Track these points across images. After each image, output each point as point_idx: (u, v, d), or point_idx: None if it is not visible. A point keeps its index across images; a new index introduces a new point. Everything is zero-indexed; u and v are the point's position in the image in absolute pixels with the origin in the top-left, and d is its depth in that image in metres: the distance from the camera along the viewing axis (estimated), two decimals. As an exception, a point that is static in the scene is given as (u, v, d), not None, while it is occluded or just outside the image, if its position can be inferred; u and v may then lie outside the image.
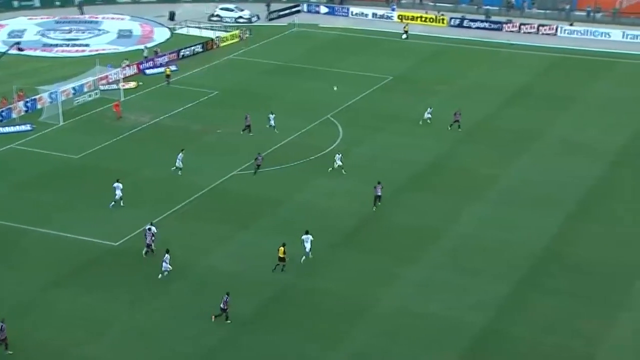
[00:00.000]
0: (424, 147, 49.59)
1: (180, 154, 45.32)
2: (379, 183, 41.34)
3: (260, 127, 51.16)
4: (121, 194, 41.03)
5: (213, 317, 32.35)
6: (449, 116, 54.51)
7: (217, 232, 39.26)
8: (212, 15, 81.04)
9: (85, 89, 57.79)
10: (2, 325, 29.96)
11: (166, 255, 35.10)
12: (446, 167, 47.12)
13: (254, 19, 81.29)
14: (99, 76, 59.02)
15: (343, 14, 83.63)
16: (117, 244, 38.16)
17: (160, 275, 35.11)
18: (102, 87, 58.83)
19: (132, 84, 60.96)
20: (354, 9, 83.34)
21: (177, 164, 45.00)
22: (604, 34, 75.02)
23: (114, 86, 59.22)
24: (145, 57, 66.36)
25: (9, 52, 62.23)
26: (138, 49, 69.66)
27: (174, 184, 44.08)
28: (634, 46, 71.95)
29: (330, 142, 49.82)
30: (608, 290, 34.70)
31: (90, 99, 57.36)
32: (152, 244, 36.46)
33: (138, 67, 64.01)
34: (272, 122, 50.81)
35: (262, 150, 47.92)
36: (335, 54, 69.67)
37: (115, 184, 41.22)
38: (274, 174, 45.39)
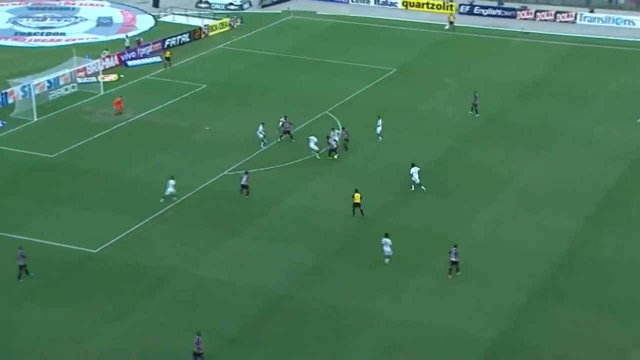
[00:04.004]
0: (432, 145, 49.59)
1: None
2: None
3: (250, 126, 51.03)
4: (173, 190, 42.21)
5: (450, 276, 35.16)
6: (458, 111, 54.62)
7: (205, 237, 39.19)
8: (200, 2, 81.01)
9: (62, 82, 57.61)
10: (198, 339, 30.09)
11: (385, 239, 36.25)
12: (456, 166, 47.13)
13: (245, 5, 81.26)
14: (76, 68, 58.85)
15: (343, 0, 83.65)
16: (96, 250, 38.06)
17: (387, 260, 36.23)
18: (79, 80, 58.70)
19: (113, 77, 60.84)
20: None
21: None
22: (627, 22, 75.05)
23: (93, 79, 59.10)
24: (127, 48, 66.23)
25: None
26: (119, 39, 69.56)
27: (159, 186, 43.94)
28: (660, 35, 72.09)
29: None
30: (634, 299, 34.65)
31: (66, 92, 57.23)
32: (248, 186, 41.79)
33: (119, 58, 63.90)
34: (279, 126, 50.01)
35: (253, 149, 47.98)
36: (334, 44, 69.64)
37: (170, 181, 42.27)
38: (266, 175, 45.26)
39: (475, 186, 44.66)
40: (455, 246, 36.05)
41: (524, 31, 73.90)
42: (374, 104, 55.87)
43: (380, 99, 57.21)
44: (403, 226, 39.42)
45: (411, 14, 79.32)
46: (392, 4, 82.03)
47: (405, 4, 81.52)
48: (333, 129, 48.76)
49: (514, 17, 78.09)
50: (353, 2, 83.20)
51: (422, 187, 43.34)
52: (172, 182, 42.00)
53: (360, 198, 40.52)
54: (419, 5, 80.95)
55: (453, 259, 35.87)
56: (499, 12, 78.97)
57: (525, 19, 77.60)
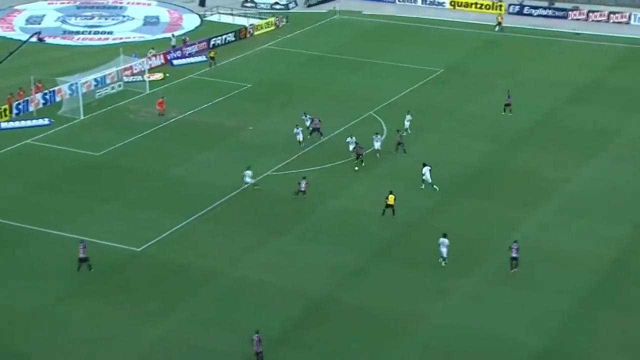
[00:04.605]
0: (479, 148, 49.27)
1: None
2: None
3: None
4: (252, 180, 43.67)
5: (512, 270, 36.14)
6: (508, 115, 54.27)
7: (249, 237, 39.50)
8: (246, 1, 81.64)
9: (108, 81, 58.59)
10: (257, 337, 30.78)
11: (443, 239, 36.64)
12: (503, 170, 46.77)
13: (291, 5, 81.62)
14: (123, 67, 59.75)
15: (389, 0, 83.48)
16: (140, 249, 38.62)
17: (443, 263, 36.64)
18: (125, 79, 59.57)
19: (159, 76, 61.62)
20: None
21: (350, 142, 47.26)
22: (683, 23, 73.64)
23: (139, 78, 59.91)
24: (173, 47, 67.03)
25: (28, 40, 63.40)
26: (165, 38, 70.45)
27: (203, 185, 44.47)
28: None
29: (373, 142, 49.55)
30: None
31: (113, 91, 58.15)
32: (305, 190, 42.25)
33: (165, 58, 64.70)
34: (308, 123, 50.39)
35: (298, 150, 48.12)
36: (380, 44, 69.58)
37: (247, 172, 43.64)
38: (309, 175, 45.31)
39: (522, 190, 44.25)
40: (516, 241, 36.22)
41: (576, 32, 72.91)
42: (419, 105, 55.66)
43: (426, 100, 57.00)
44: (447, 229, 38.94)
45: (459, 13, 78.86)
46: (439, 3, 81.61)
47: (452, 3, 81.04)
48: (377, 133, 48.59)
49: (565, 17, 77.09)
50: (400, 1, 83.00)
51: (435, 186, 43.44)
52: (249, 172, 43.34)
53: (395, 200, 40.53)
54: (466, 5, 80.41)
55: (514, 255, 36.15)
56: (550, 12, 78.05)
57: (577, 19, 76.54)
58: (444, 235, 36.91)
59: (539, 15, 77.87)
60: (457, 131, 52.02)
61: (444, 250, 36.85)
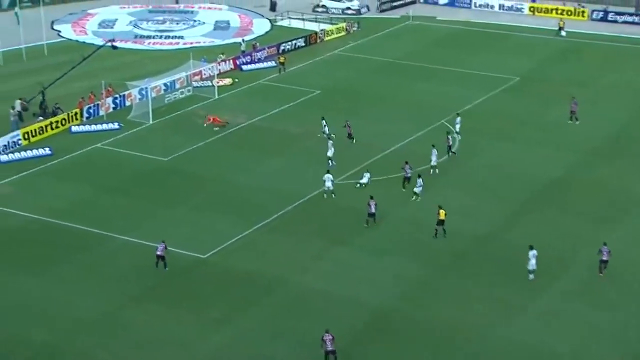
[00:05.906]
0: (555, 159, 48.61)
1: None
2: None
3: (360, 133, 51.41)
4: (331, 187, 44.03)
5: (601, 274, 36.19)
6: (584, 122, 53.34)
7: (313, 246, 39.87)
8: (318, 6, 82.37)
9: (178, 86, 60.00)
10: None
11: (532, 251, 36.39)
12: (581, 182, 46.05)
13: (363, 10, 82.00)
14: (192, 72, 61.06)
15: (465, 5, 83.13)
16: (205, 256, 39.36)
17: (532, 276, 36.48)
18: (195, 84, 60.83)
19: (228, 81, 62.71)
20: (478, 0, 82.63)
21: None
22: None
23: (208, 83, 61.08)
24: (243, 52, 68.14)
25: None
26: (235, 43, 71.66)
27: (269, 193, 45.06)
28: None
29: (443, 151, 49.33)
30: None
31: (182, 96, 59.47)
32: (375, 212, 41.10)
33: (234, 63, 65.82)
34: (326, 130, 50.57)
35: (363, 159, 48.17)
36: (454, 51, 69.31)
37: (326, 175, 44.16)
38: (375, 186, 45.46)
39: (601, 203, 43.49)
40: (605, 244, 36.61)
41: (662, 39, 71.28)
42: (494, 114, 55.26)
43: (500, 109, 56.53)
44: (521, 243, 38.66)
45: (538, 20, 77.96)
46: (517, 9, 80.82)
47: (532, 9, 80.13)
48: (433, 145, 47.37)
49: (652, 24, 75.49)
50: (476, 7, 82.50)
51: (418, 195, 43.63)
52: (330, 176, 43.83)
53: (445, 215, 39.80)
54: (547, 11, 79.37)
55: (604, 258, 36.34)
56: (636, 18, 76.42)
57: (665, 26, 74.84)
58: (531, 247, 36.46)
59: (624, 22, 76.36)
60: (532, 141, 51.40)
61: (533, 261, 36.37)
